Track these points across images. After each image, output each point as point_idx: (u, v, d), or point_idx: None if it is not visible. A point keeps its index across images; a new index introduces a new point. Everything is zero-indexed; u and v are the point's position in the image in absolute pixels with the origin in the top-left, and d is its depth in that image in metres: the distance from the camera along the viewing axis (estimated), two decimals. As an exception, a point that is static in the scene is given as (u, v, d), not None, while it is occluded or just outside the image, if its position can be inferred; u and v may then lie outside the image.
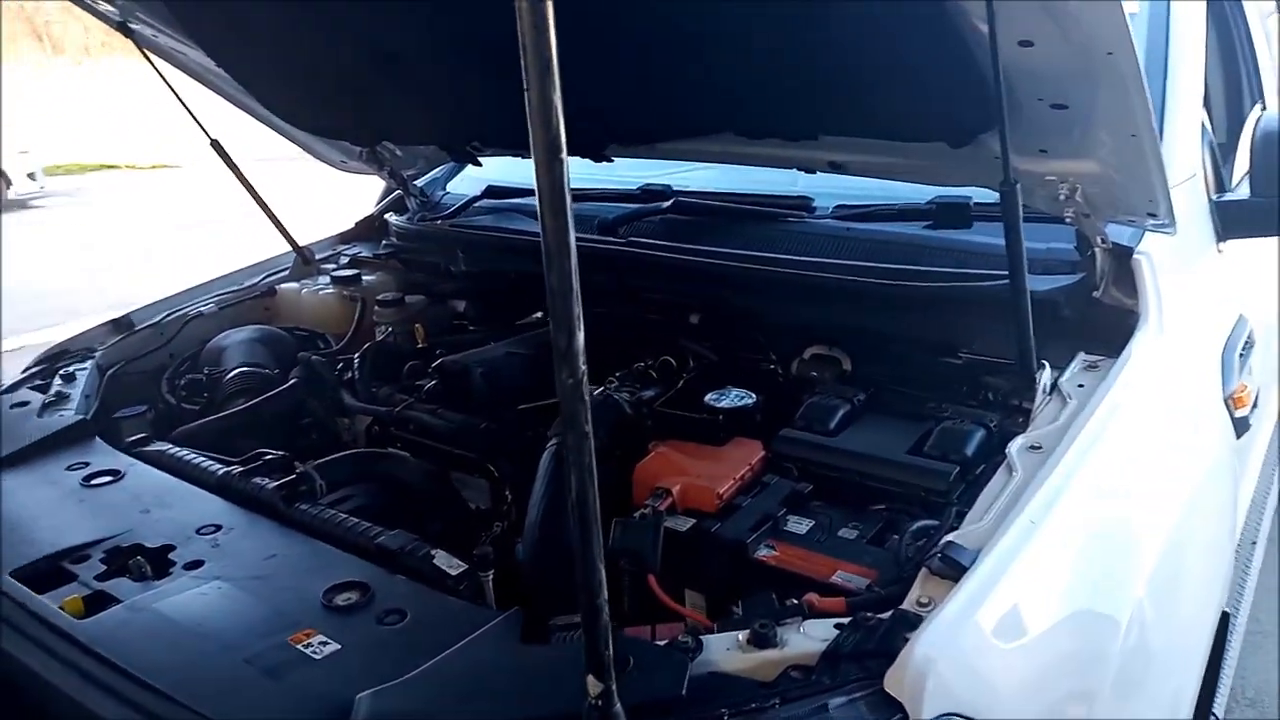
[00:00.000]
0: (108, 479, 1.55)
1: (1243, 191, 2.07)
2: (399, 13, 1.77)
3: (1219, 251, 1.94)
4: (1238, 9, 2.80)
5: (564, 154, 0.62)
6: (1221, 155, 2.45)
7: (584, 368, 0.64)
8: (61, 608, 1.20)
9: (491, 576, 1.24)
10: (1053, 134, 1.44)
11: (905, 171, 1.72)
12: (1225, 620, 1.65)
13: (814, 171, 1.86)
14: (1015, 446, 1.28)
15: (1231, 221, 1.90)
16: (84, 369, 1.96)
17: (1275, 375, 2.15)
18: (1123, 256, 1.61)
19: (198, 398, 1.98)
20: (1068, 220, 1.59)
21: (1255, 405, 1.81)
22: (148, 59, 2.14)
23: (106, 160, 15.16)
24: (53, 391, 1.86)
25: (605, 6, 1.55)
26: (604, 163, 2.00)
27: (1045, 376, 1.44)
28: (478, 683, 1.03)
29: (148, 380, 2.07)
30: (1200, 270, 1.82)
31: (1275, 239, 1.94)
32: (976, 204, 1.83)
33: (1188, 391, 1.58)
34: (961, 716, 0.94)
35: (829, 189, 2.01)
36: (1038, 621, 1.07)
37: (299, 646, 1.10)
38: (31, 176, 11.45)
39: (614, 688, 0.70)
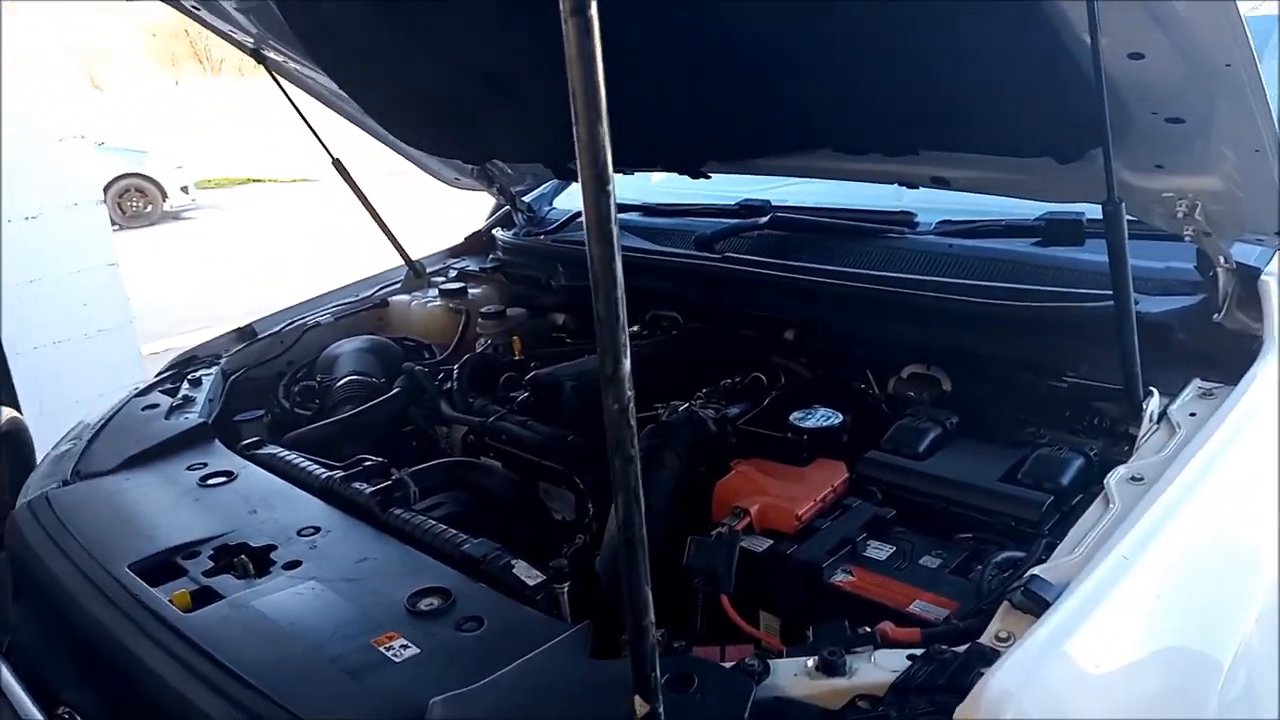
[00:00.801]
0: (222, 479, 1.64)
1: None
2: (504, 38, 1.83)
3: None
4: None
5: (611, 185, 0.62)
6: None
7: (630, 393, 0.65)
8: (171, 601, 1.28)
9: (567, 589, 1.26)
10: (1169, 149, 1.36)
11: (1012, 187, 1.66)
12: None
13: (916, 186, 1.82)
14: (1115, 478, 1.22)
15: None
16: (210, 374, 2.09)
17: None
18: (1249, 278, 1.51)
19: (310, 404, 2.09)
20: (1187, 238, 1.50)
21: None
22: (277, 83, 2.27)
23: (253, 175, 16.13)
24: (180, 395, 1.99)
25: (702, 26, 1.56)
26: (701, 179, 2.01)
27: (1154, 403, 1.36)
28: (545, 694, 1.04)
29: (267, 386, 2.19)
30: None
31: None
32: (1090, 221, 1.75)
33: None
34: (1035, 759, 0.90)
35: (935, 204, 1.96)
36: (1124, 662, 1.01)
37: (381, 649, 1.15)
38: (185, 190, 12.27)
39: (660, 710, 0.70)
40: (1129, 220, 1.55)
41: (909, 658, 1.00)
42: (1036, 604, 1.01)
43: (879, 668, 1.00)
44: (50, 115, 3.70)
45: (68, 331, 3.76)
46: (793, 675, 1.01)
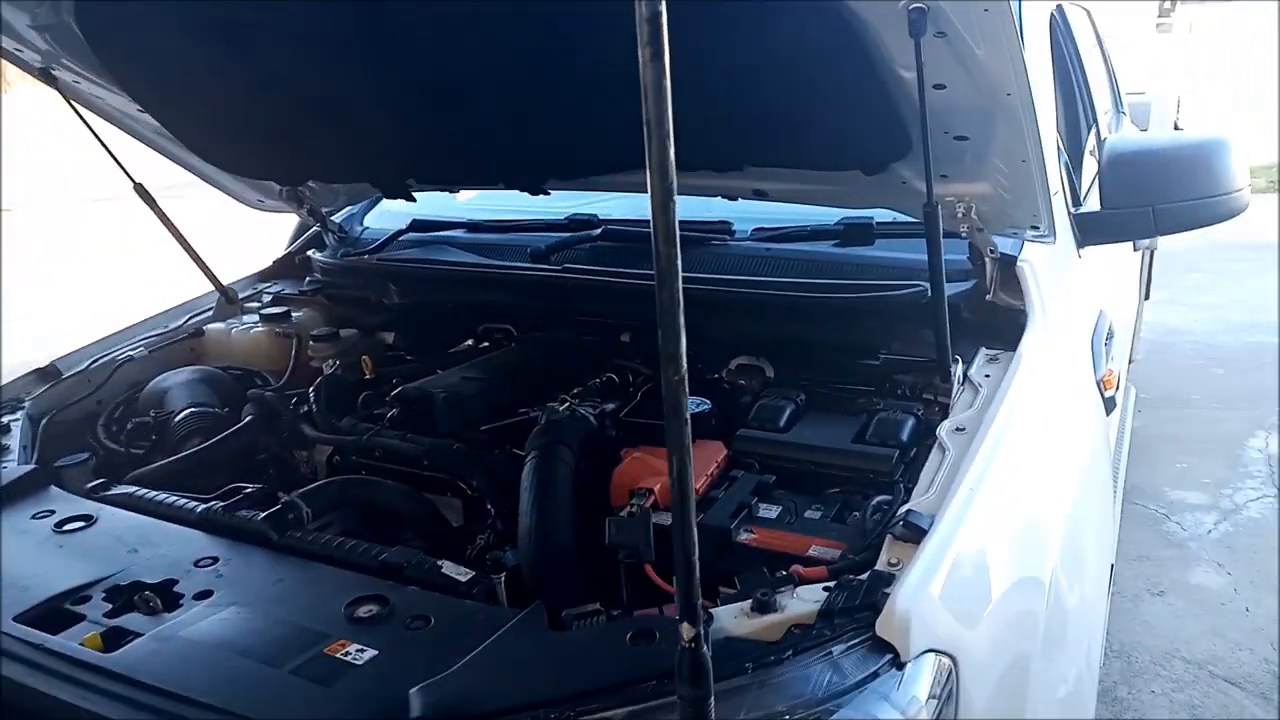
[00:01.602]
0: (80, 524, 1.55)
1: (1093, 204, 2.39)
2: (333, 58, 1.85)
3: (1079, 256, 2.24)
4: (1072, 45, 3.20)
5: (675, 198, 0.75)
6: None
7: (685, 368, 0.78)
8: (83, 644, 1.22)
9: (504, 579, 1.35)
10: (953, 161, 1.66)
11: (822, 197, 1.93)
12: (1111, 571, 1.92)
13: (735, 199, 2.05)
14: (944, 429, 1.49)
15: (1089, 231, 2.20)
16: (16, 419, 1.93)
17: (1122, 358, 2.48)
18: (1008, 264, 1.86)
19: (143, 441, 1.98)
20: (963, 234, 1.83)
21: (1118, 386, 2.11)
22: (70, 104, 2.13)
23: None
24: (-9, 444, 1.83)
25: (543, 55, 1.69)
26: (540, 195, 2.13)
27: (958, 369, 1.66)
28: (519, 668, 1.13)
29: (77, 428, 2.04)
30: (1068, 274, 2.11)
31: (1125, 245, 2.26)
32: (878, 223, 2.07)
33: (1072, 376, 1.84)
34: (940, 651, 1.12)
35: (746, 214, 2.21)
36: (988, 572, 1.27)
37: (338, 655, 1.18)
38: None
39: (703, 633, 0.83)
40: (912, 222, 1.87)
41: (824, 589, 1.20)
42: (914, 533, 1.24)
43: (802, 600, 1.18)
44: None
45: None
46: (733, 618, 1.17)
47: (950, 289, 1.86)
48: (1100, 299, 2.24)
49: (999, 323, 1.82)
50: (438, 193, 2.50)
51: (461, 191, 2.71)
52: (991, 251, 1.85)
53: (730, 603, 1.21)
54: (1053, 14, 2.86)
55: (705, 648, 0.83)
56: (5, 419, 1.93)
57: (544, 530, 1.45)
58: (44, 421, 1.96)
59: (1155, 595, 3.20)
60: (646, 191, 2.25)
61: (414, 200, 2.35)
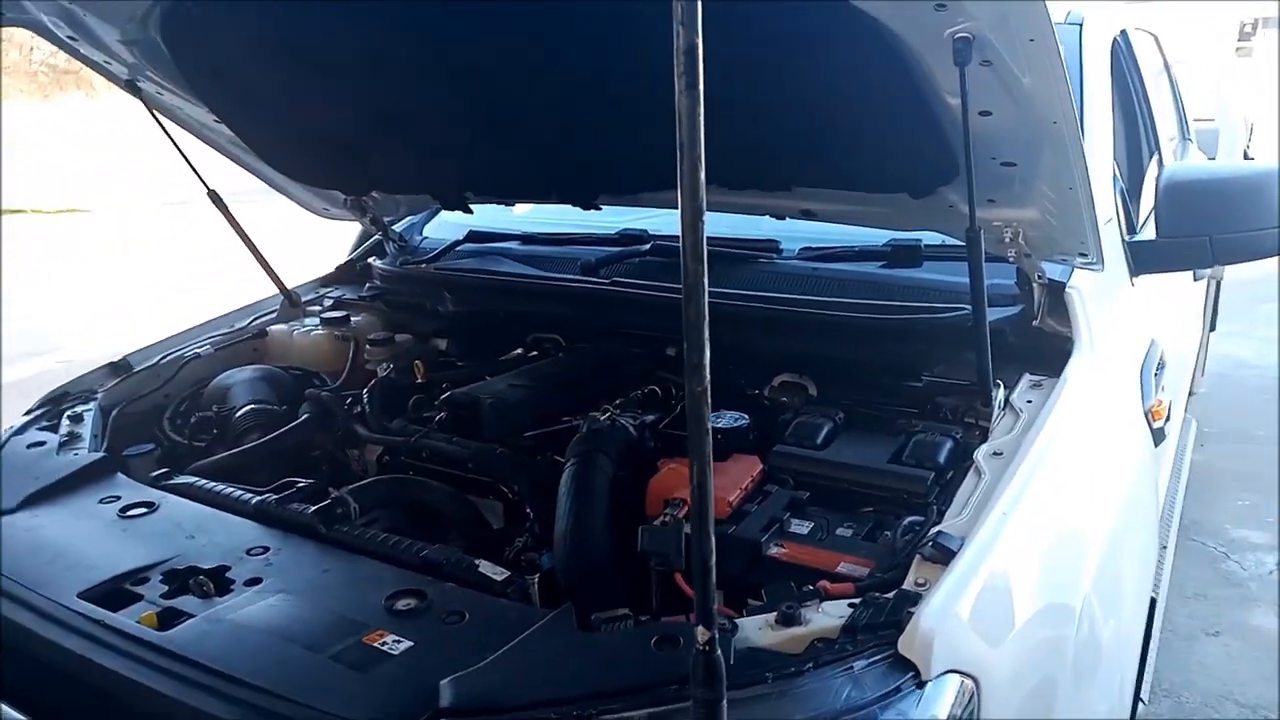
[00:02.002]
0: (143, 510, 1.64)
1: (1149, 233, 2.37)
2: (399, 77, 1.94)
3: (1132, 285, 2.21)
4: (1135, 72, 3.16)
5: (704, 217, 0.79)
6: (1123, 200, 2.77)
7: (708, 380, 0.82)
8: (140, 622, 1.30)
9: (537, 580, 1.39)
10: (1001, 187, 1.67)
11: (869, 219, 1.94)
12: (1153, 608, 1.89)
13: (784, 218, 2.08)
14: (981, 453, 1.49)
15: (1142, 259, 2.17)
16: (89, 410, 2.03)
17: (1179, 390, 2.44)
18: (1056, 291, 1.86)
19: (205, 435, 2.07)
20: (1010, 259, 1.83)
21: (1168, 418, 2.08)
22: (154, 115, 2.24)
23: (10, 204, 14.68)
24: (64, 431, 1.93)
25: (594, 70, 1.74)
26: (592, 210, 2.18)
27: (1000, 394, 1.66)
28: (547, 665, 1.17)
29: (145, 420, 2.14)
30: (1119, 302, 2.09)
31: (1185, 274, 2.23)
32: (926, 246, 2.07)
33: (1117, 405, 1.83)
34: (961, 672, 1.13)
35: (793, 233, 2.23)
36: (1016, 596, 1.27)
37: (376, 645, 1.23)
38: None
39: (717, 635, 0.86)
40: (958, 245, 1.88)
41: (849, 605, 1.22)
42: (943, 554, 1.25)
43: (827, 615, 1.20)
44: None
45: None
46: (758, 629, 1.20)
47: (996, 314, 1.87)
48: (1153, 328, 2.21)
49: (1045, 349, 1.82)
50: (494, 205, 2.57)
51: (518, 205, 2.78)
52: (1039, 277, 1.85)
53: (756, 614, 1.23)
54: (1115, 40, 2.83)
55: (719, 651, 0.86)
56: (79, 409, 2.04)
57: (579, 535, 1.49)
58: (114, 413, 2.06)
59: (1210, 635, 3.12)
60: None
61: (471, 212, 2.42)
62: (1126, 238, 2.23)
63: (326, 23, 1.81)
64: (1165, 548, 2.75)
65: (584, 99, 1.82)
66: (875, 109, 1.57)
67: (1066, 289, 1.85)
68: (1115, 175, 2.32)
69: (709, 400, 0.81)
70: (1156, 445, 1.99)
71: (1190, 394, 3.87)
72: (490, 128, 2.02)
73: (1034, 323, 1.86)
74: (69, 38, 2.02)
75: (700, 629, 0.85)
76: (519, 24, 1.68)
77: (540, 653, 1.19)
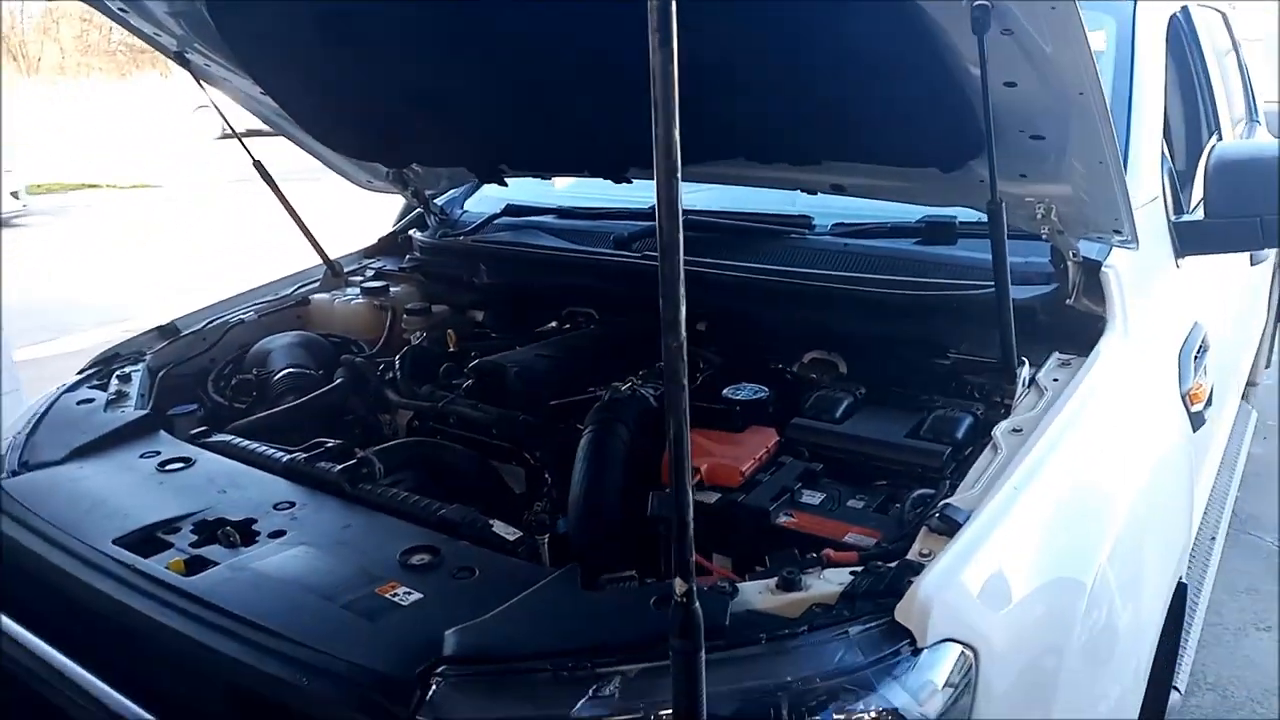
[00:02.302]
0: (180, 464, 1.70)
1: (1200, 214, 2.30)
2: (438, 53, 1.97)
3: (1178, 267, 2.15)
4: (1196, 50, 3.06)
5: (678, 174, 0.80)
6: (1181, 181, 2.69)
7: (684, 335, 0.83)
8: (168, 567, 1.36)
9: (547, 540, 1.42)
10: (1031, 161, 1.64)
11: (900, 193, 1.92)
12: (1183, 593, 1.85)
13: (815, 193, 2.06)
14: (1000, 429, 1.47)
15: (1188, 240, 2.11)
16: (137, 370, 2.12)
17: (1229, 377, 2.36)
18: (1092, 269, 1.82)
19: (245, 397, 2.14)
20: (1044, 237, 1.80)
21: (1210, 403, 2.02)
22: (201, 86, 2.31)
23: (88, 180, 15.22)
24: (113, 390, 2.02)
25: (626, 46, 1.75)
26: (624, 184, 2.19)
27: (1025, 372, 1.64)
28: (547, 619, 1.20)
29: (191, 382, 2.22)
30: (1160, 283, 2.04)
31: (1243, 257, 2.16)
32: (961, 223, 2.04)
33: (1148, 386, 1.79)
34: (958, 642, 1.13)
35: (827, 209, 2.21)
36: (1022, 569, 1.26)
37: (387, 596, 1.27)
38: (15, 195, 11.47)
39: (695, 589, 0.87)
40: (996, 222, 1.84)
41: (851, 573, 1.22)
42: (950, 526, 1.25)
43: (828, 582, 1.21)
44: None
45: (-70, 338, 3.58)
46: (758, 593, 1.21)
47: (1028, 291, 1.84)
48: (1199, 311, 2.14)
49: (1077, 328, 1.78)
50: (532, 179, 2.60)
51: (557, 179, 2.80)
52: (1074, 256, 1.81)
53: (758, 580, 1.24)
54: (1175, 16, 2.74)
55: (696, 604, 0.87)
56: (128, 370, 2.12)
57: (592, 499, 1.52)
58: (161, 374, 2.15)
59: (1261, 630, 3.03)
60: (723, 183, 2.31)
61: (505, 185, 2.45)
62: (1173, 217, 2.17)
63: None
64: (1215, 539, 2.69)
65: (613, 73, 1.83)
66: (901, 81, 1.56)
67: (1102, 268, 1.81)
68: (1164, 155, 2.25)
69: (685, 356, 0.82)
70: (1195, 430, 1.94)
71: (1251, 384, 3.74)
72: (523, 101, 2.05)
73: (1068, 301, 1.82)
74: (120, 9, 2.09)
75: (678, 581, 0.86)
76: None
77: (543, 608, 1.22)
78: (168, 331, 2.31)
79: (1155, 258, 2.06)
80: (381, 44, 2.00)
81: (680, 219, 0.81)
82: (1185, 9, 2.95)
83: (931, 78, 1.50)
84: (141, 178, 15.12)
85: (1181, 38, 2.90)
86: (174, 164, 15.11)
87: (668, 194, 0.79)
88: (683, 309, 0.82)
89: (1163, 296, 2.02)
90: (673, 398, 0.83)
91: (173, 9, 2.08)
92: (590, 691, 1.07)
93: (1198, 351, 1.99)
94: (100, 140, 18.85)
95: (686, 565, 0.86)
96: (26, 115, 22.81)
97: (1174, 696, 2.09)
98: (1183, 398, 1.89)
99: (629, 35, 1.70)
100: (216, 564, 1.38)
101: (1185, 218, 2.22)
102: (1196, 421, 1.93)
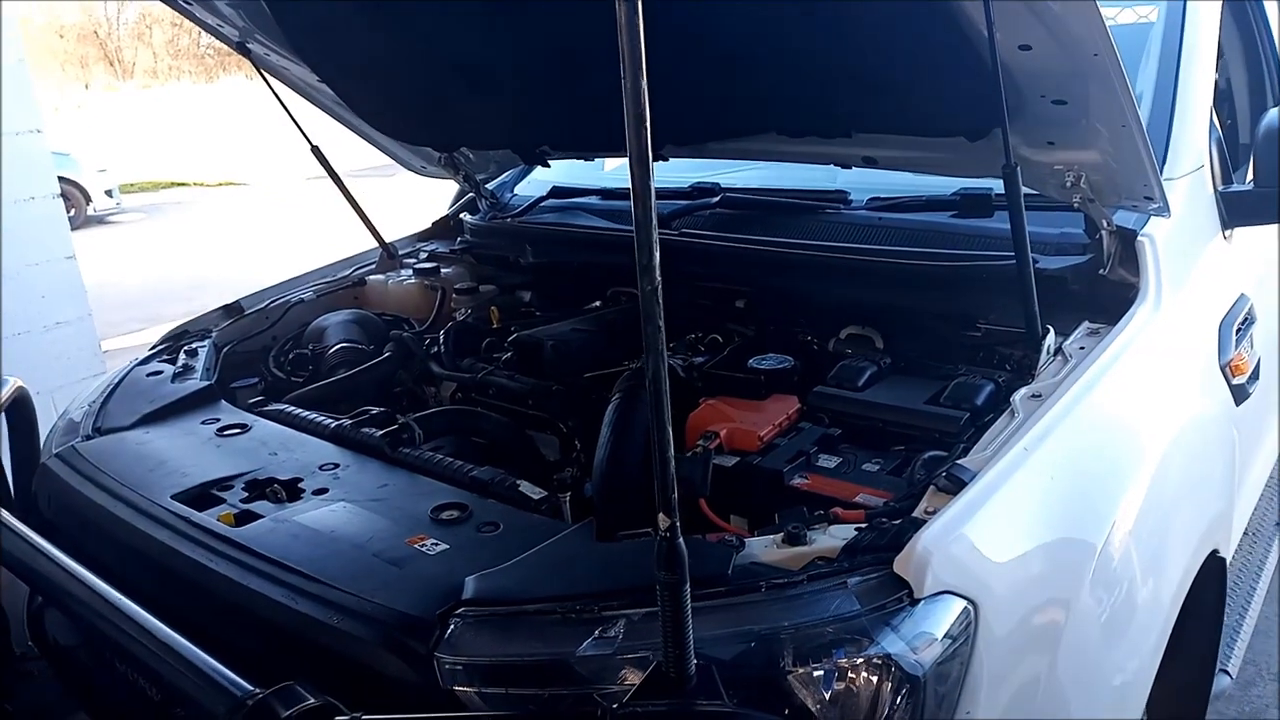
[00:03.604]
0: (237, 430, 1.82)
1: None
2: (482, 33, 2.04)
3: (1225, 238, 2.11)
4: (1260, 13, 2.96)
5: (647, 123, 0.85)
6: (1245, 152, 2.62)
7: (659, 279, 0.88)
8: (218, 520, 1.46)
9: (569, 498, 1.48)
10: (1057, 127, 1.64)
11: (930, 165, 1.93)
12: (1222, 569, 1.82)
13: (849, 167, 2.08)
14: (1019, 395, 1.48)
15: (1235, 210, 2.07)
16: (204, 346, 2.25)
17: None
18: (1128, 239, 1.80)
19: (302, 371, 2.26)
20: (1075, 205, 1.78)
21: (1256, 376, 1.98)
22: (262, 75, 2.44)
23: (177, 178, 15.89)
24: (180, 364, 2.15)
25: (665, 24, 1.79)
26: (659, 162, 2.24)
27: (1050, 340, 1.63)
28: (562, 567, 1.26)
29: (255, 357, 2.35)
30: (1204, 253, 2.00)
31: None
32: (997, 195, 2.03)
33: (1182, 356, 1.76)
34: (956, 594, 1.15)
35: (864, 185, 2.22)
36: (1025, 527, 1.28)
37: (415, 546, 1.35)
38: (109, 194, 12.05)
39: (678, 524, 0.92)
40: (1030, 193, 1.84)
41: (856, 529, 1.25)
42: (955, 485, 1.27)
43: (833, 537, 1.24)
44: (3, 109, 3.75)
45: (27, 323, 3.82)
46: (764, 547, 1.25)
47: (1060, 261, 1.83)
48: (1247, 284, 2.10)
49: (1110, 298, 1.76)
50: (579, 161, 2.67)
51: (608, 160, 2.86)
52: (1107, 225, 1.79)
53: (765, 535, 1.28)
54: (1237, -16, 2.67)
55: (679, 539, 0.92)
56: (195, 345, 2.26)
57: (615, 462, 1.57)
58: (225, 349, 2.28)
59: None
60: (757, 159, 2.33)
61: (548, 166, 2.51)
62: (1220, 187, 2.12)
63: None
64: (1279, 524, 2.61)
65: (651, 49, 1.88)
66: (921, 48, 1.57)
67: (1138, 237, 1.79)
68: (1213, 124, 2.20)
69: (660, 299, 0.87)
70: (1239, 403, 1.90)
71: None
72: (561, 83, 2.11)
73: (1101, 271, 1.81)
74: (185, 3, 2.22)
75: (661, 516, 0.91)
76: None
77: (557, 558, 1.29)
78: (233, 310, 2.44)
79: (1199, 228, 2.02)
80: (427, 27, 2.08)
81: (650, 166, 0.85)
82: (1251, -23, 2.85)
83: (949, 43, 1.51)
84: (228, 175, 15.74)
85: (1246, 7, 2.81)
86: (260, 162, 15.66)
87: (638, 142, 0.83)
88: (656, 253, 0.87)
89: (1206, 266, 1.98)
90: (650, 338, 0.88)
91: (233, 1, 2.20)
92: (596, 633, 1.13)
93: (1241, 323, 1.95)
94: (190, 140, 19.63)
95: (669, 501, 0.91)
96: (121, 118, 23.90)
97: (1224, 680, 2.05)
98: (1223, 369, 1.86)
99: (659, 14, 1.76)
100: (263, 517, 1.47)
101: (1234, 188, 2.17)
102: (1239, 394, 1.90)
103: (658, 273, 0.87)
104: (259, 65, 2.43)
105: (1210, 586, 1.77)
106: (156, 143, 19.48)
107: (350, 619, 1.22)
